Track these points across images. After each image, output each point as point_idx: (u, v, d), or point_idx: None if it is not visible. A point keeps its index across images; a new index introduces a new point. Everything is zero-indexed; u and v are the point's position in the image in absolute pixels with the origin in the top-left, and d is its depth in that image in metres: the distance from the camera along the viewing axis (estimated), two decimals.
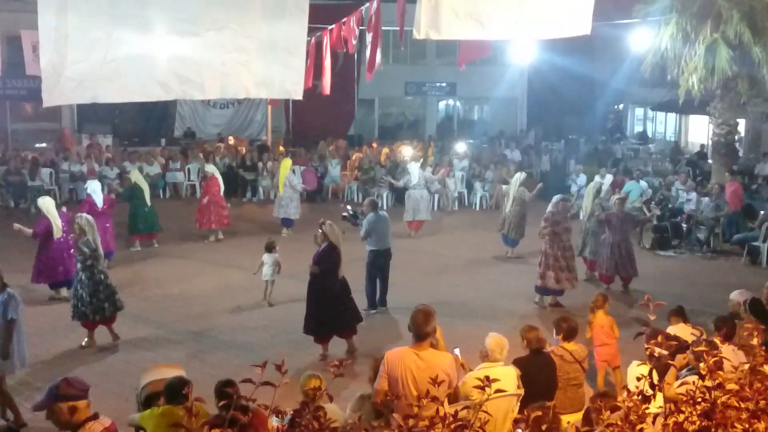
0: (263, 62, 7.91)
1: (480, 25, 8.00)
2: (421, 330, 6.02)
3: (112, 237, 14.78)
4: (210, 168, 18.51)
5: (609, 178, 21.37)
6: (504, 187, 17.82)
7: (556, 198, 13.15)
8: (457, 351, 6.98)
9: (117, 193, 16.76)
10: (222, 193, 17.75)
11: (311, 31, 13.42)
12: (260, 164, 23.71)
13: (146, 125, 29.72)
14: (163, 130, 29.60)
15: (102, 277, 10.81)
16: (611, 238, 13.73)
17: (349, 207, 15.83)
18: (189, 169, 23.55)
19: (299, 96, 8.56)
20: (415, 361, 5.91)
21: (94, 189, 14.84)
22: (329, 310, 10.48)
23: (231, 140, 26.82)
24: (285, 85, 8.22)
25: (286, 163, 18.53)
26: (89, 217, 11.15)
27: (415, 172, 18.73)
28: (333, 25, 12.03)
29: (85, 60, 7.20)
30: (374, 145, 26.77)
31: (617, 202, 14.18)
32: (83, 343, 10.81)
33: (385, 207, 19.95)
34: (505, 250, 16.60)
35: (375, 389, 6.09)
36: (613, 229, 13.76)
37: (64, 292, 12.92)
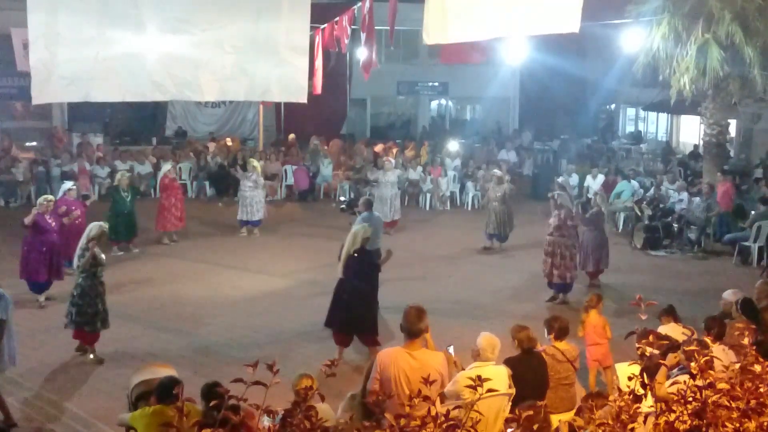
0: (264, 65, 7.88)
1: (477, 26, 8.04)
2: (414, 327, 6.02)
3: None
4: (165, 167, 18.05)
5: (601, 178, 21.43)
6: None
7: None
8: (451, 349, 6.98)
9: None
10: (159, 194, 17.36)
11: None
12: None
13: (138, 124, 29.62)
14: (154, 129, 29.50)
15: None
16: (596, 236, 13.94)
17: (342, 198, 15.94)
18: (180, 169, 23.47)
19: (303, 99, 8.48)
20: (409, 362, 5.90)
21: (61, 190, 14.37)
22: (334, 308, 10.55)
23: (229, 141, 26.46)
24: (288, 88, 8.18)
25: (254, 163, 18.61)
26: (99, 223, 10.69)
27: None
28: (325, 25, 12.02)
29: (77, 58, 7.16)
30: (380, 146, 26.62)
31: (598, 198, 14.47)
32: (91, 357, 10.43)
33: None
34: (496, 245, 16.94)
35: (368, 391, 6.08)
36: (596, 225, 14.06)
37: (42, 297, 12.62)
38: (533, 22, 8.05)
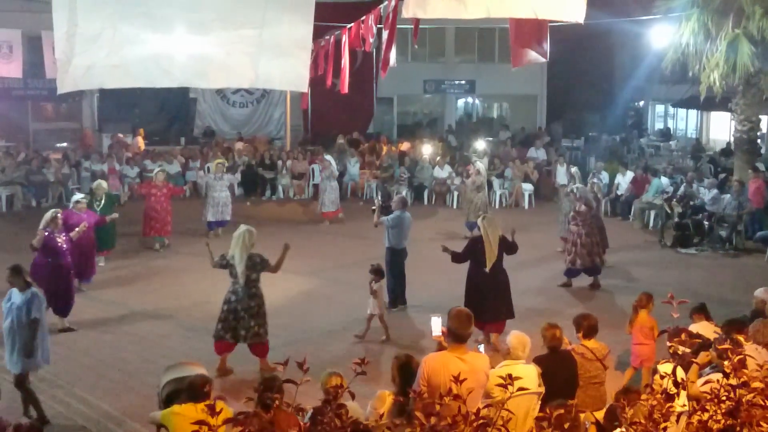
0: (268, 54, 8.00)
1: (463, 4, 8.09)
2: (464, 332, 5.98)
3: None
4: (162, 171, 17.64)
5: (630, 176, 21.24)
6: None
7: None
8: (481, 347, 6.97)
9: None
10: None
11: (330, 29, 13.47)
12: (279, 163, 23.80)
13: (166, 124, 29.89)
14: (183, 129, 29.77)
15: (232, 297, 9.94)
16: (598, 223, 14.24)
17: (379, 197, 15.92)
18: (208, 168, 23.64)
19: (304, 89, 8.64)
20: (459, 366, 5.81)
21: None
22: (469, 299, 10.84)
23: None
24: (290, 77, 8.30)
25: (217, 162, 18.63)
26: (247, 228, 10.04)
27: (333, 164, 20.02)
28: (351, 24, 12.03)
29: (93, 49, 7.42)
30: (407, 145, 26.62)
31: (594, 186, 14.56)
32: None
33: None
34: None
35: (412, 397, 6.03)
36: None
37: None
38: (537, 6, 8.15)
